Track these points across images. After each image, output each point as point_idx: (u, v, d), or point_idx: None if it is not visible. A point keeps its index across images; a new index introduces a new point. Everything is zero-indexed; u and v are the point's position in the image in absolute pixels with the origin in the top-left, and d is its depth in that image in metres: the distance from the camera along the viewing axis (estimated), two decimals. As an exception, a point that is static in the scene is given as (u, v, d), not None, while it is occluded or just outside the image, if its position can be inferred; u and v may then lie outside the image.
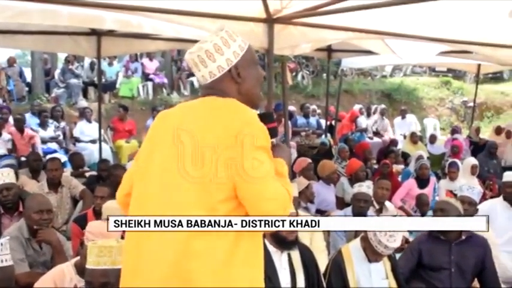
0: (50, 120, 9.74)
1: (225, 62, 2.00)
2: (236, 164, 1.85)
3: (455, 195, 6.35)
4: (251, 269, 1.95)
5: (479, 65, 11.53)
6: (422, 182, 6.98)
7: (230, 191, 1.88)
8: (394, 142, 11.44)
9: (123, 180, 2.22)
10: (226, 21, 4.69)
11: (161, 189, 1.96)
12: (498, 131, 11.77)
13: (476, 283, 4.21)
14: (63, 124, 10.06)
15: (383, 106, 13.52)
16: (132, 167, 2.23)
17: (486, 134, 13.03)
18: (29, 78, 13.69)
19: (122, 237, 3.20)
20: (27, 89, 13.26)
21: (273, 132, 2.16)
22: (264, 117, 2.15)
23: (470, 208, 4.63)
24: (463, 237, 4.04)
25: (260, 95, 2.16)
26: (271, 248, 3.37)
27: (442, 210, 4.05)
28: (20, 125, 8.83)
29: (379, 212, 5.52)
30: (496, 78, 20.06)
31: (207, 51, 1.98)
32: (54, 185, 5.65)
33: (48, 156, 6.30)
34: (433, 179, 7.22)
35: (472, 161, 7.75)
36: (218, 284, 1.85)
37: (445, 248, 4.05)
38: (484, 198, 6.75)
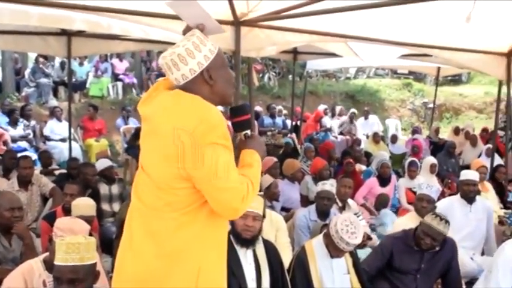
0: (20, 119, 9.66)
1: (197, 65, 2.10)
2: (191, 158, 1.96)
3: (414, 192, 6.56)
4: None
5: (438, 68, 11.87)
6: (384, 181, 7.15)
7: (187, 182, 2.01)
8: (357, 142, 11.65)
9: None
10: (193, 23, 4.75)
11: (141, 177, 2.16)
12: (457, 131, 12.13)
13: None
14: (33, 123, 9.99)
15: (353, 110, 13.72)
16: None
17: (445, 134, 13.37)
18: (-1, 78, 13.51)
19: (90, 234, 3.25)
20: (-3, 88, 13.09)
21: (246, 124, 2.27)
22: (237, 110, 2.27)
23: (429, 206, 4.76)
24: (437, 249, 4.04)
25: (232, 94, 2.26)
26: (236, 245, 3.43)
27: (434, 240, 3.90)
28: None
29: (342, 209, 5.58)
30: (455, 80, 20.58)
31: (179, 55, 2.08)
32: (25, 182, 5.62)
33: (20, 155, 6.23)
34: (393, 177, 7.39)
35: (432, 160, 7.93)
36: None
37: (417, 256, 4.07)
38: (442, 196, 6.98)
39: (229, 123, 2.32)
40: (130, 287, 2.10)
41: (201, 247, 2.08)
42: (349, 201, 5.82)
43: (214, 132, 1.98)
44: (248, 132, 2.26)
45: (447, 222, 3.92)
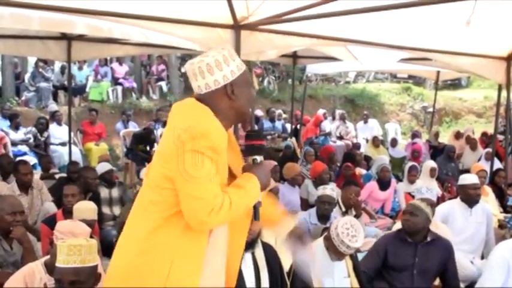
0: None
1: (222, 77, 2.12)
2: (176, 161, 1.98)
3: (413, 197, 6.56)
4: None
5: (438, 72, 11.87)
6: (384, 184, 7.16)
7: (171, 182, 2.04)
8: (356, 146, 11.67)
9: None
10: (194, 27, 4.78)
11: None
12: (457, 135, 12.15)
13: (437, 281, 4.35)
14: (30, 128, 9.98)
15: (342, 111, 13.76)
16: None
17: (445, 138, 13.40)
18: (-1, 82, 13.52)
19: (91, 237, 3.26)
20: (-3, 92, 13.10)
21: (257, 149, 2.27)
22: (253, 134, 2.30)
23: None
24: (429, 239, 4.13)
25: (249, 113, 2.33)
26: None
27: (411, 214, 4.09)
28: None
29: (344, 214, 5.57)
30: (454, 84, 20.58)
31: (208, 64, 2.11)
32: (25, 187, 5.63)
33: (18, 159, 6.26)
34: (393, 181, 7.40)
35: (431, 164, 7.92)
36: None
37: (411, 250, 4.13)
38: (442, 199, 6.99)
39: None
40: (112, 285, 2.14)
41: (172, 255, 2.07)
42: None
43: (202, 140, 1.97)
44: (258, 158, 2.25)
45: (431, 204, 4.35)
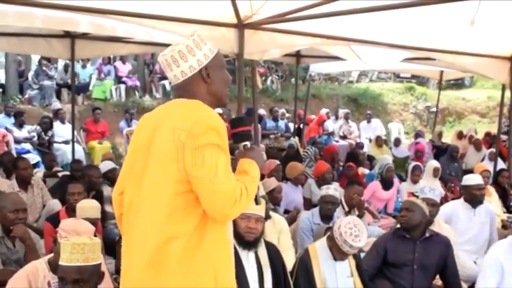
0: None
1: (196, 62, 2.13)
2: (187, 159, 1.97)
3: (416, 197, 6.55)
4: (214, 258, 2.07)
5: (441, 72, 11.84)
6: (387, 184, 7.16)
7: (186, 185, 2.00)
8: (359, 145, 11.65)
9: (117, 180, 2.33)
10: (198, 26, 4.78)
11: (139, 186, 2.10)
12: (460, 135, 12.13)
13: (437, 280, 4.36)
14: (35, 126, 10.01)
15: (346, 110, 13.74)
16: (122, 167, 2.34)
17: (448, 138, 13.36)
18: (2, 80, 13.55)
19: (95, 235, 3.26)
20: (0, 90, 13.12)
21: (246, 135, 2.28)
22: (237, 121, 2.30)
23: (432, 209, 4.76)
24: (427, 235, 4.18)
25: (227, 95, 2.29)
26: (238, 247, 3.44)
27: (407, 210, 4.17)
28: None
29: (347, 214, 5.56)
30: (458, 84, 20.53)
31: (180, 51, 2.12)
32: (25, 183, 5.64)
33: (16, 155, 6.27)
34: (396, 181, 7.39)
35: (435, 163, 7.93)
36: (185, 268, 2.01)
37: (410, 246, 4.17)
38: (445, 200, 6.98)
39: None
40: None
41: (213, 261, 2.10)
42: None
43: (211, 132, 1.99)
44: (248, 143, 2.27)
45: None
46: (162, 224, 2.00)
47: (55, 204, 5.32)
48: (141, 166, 2.11)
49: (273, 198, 5.46)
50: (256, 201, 2.26)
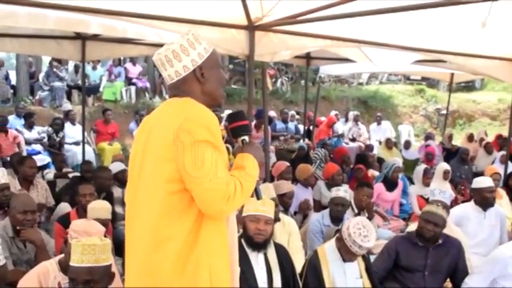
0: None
1: (190, 62, 2.13)
2: (187, 159, 1.96)
3: (426, 199, 6.52)
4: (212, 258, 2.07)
5: (452, 74, 11.80)
6: (391, 185, 7.10)
7: (179, 184, 2.00)
8: (369, 147, 11.62)
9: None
10: (208, 28, 4.79)
11: (137, 188, 2.13)
12: (470, 138, 12.06)
13: (448, 283, 4.34)
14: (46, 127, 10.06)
15: (356, 112, 13.72)
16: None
17: (458, 140, 13.30)
18: (13, 81, 13.65)
19: (105, 236, 3.28)
20: (12, 91, 13.21)
21: (243, 130, 2.26)
22: (234, 116, 2.29)
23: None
24: (440, 242, 4.15)
25: (222, 95, 2.27)
26: (248, 248, 3.45)
27: (436, 225, 4.06)
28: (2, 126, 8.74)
29: (357, 216, 5.54)
30: (468, 87, 20.46)
31: (174, 51, 2.12)
32: (27, 182, 5.68)
33: (24, 155, 6.31)
34: (400, 182, 7.29)
35: (445, 166, 7.89)
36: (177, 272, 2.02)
37: (422, 252, 4.15)
38: (455, 202, 6.94)
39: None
40: None
41: (208, 260, 2.10)
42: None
43: (203, 130, 1.98)
44: (246, 138, 2.25)
45: (445, 207, 4.29)
46: (156, 225, 2.02)
47: (66, 208, 5.33)
48: (138, 168, 2.13)
49: (283, 202, 5.41)
50: (258, 197, 2.25)
